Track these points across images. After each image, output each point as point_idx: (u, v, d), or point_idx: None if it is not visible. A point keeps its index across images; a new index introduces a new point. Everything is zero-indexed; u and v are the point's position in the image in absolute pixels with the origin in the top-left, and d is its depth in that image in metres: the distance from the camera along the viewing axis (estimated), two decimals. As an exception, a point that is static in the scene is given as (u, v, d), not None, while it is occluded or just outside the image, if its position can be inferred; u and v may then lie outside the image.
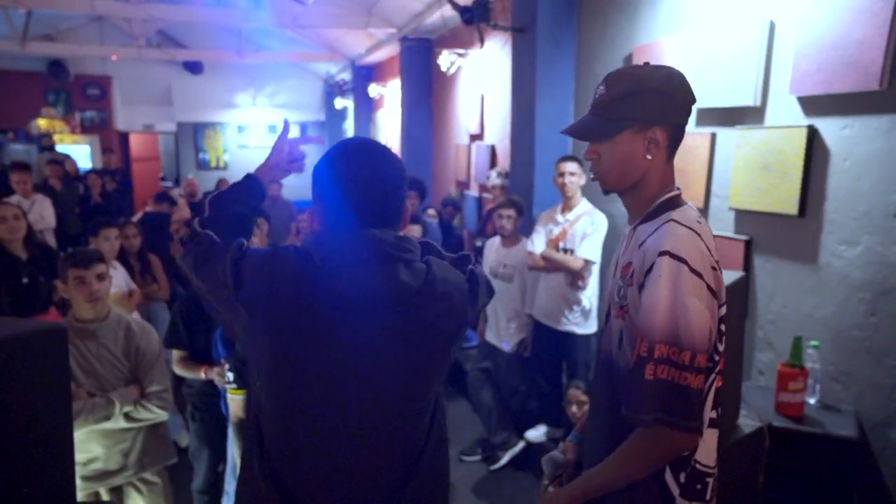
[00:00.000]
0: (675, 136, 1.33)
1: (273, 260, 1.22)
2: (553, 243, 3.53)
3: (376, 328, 1.21)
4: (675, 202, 1.33)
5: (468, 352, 4.59)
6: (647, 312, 1.20)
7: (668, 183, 1.36)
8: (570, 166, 3.49)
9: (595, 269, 3.53)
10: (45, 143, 9.69)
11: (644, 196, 1.35)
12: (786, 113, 2.59)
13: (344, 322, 1.20)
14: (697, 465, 1.28)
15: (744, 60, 2.72)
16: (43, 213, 5.18)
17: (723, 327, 1.29)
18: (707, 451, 1.30)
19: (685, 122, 1.34)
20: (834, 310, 2.44)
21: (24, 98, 10.32)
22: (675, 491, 1.26)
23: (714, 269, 1.25)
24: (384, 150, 1.30)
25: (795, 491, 2.19)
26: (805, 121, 2.50)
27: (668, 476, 1.26)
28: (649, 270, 1.22)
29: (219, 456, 2.89)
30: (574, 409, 3.04)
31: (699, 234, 1.26)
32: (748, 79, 2.70)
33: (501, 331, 3.83)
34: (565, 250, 3.49)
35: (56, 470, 1.34)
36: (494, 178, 4.90)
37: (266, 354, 1.23)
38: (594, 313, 3.59)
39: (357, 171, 1.24)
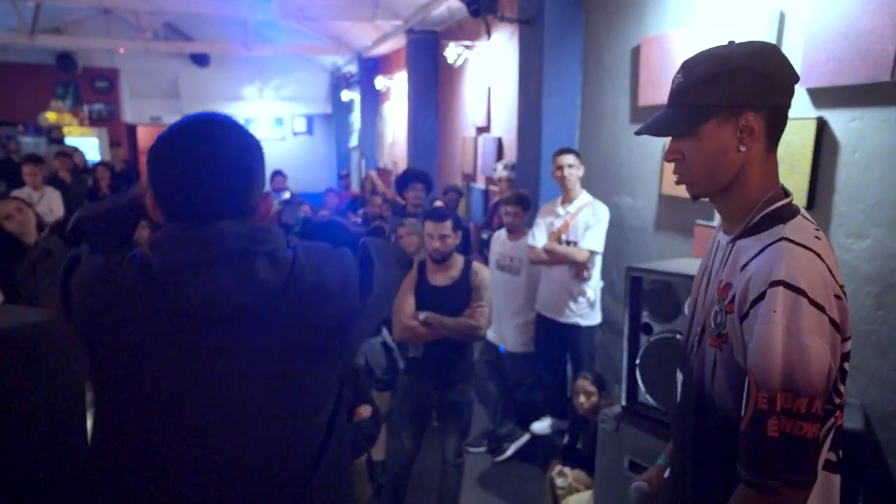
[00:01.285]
0: (775, 123, 1.11)
1: (102, 273, 1.01)
2: (555, 236, 3.52)
3: (234, 339, 1.00)
4: (786, 212, 1.11)
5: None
6: (761, 355, 1.01)
7: (772, 183, 1.14)
8: (568, 158, 3.49)
9: (598, 260, 3.52)
10: (54, 135, 9.75)
11: (743, 200, 1.13)
12: (795, 104, 2.55)
13: (195, 338, 0.99)
14: None
15: (752, 52, 2.70)
16: (52, 205, 5.23)
17: (846, 365, 1.10)
18: (829, 500, 1.12)
19: (787, 105, 1.12)
20: (841, 303, 2.43)
21: (33, 91, 10.38)
22: None
23: (839, 297, 1.05)
24: (227, 124, 1.07)
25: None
26: (814, 112, 2.49)
27: None
28: (757, 301, 1.03)
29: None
30: (581, 399, 3.05)
31: (819, 255, 1.05)
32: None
33: (503, 327, 3.83)
34: (568, 242, 3.49)
35: (74, 452, 1.36)
36: (501, 171, 4.90)
37: (111, 396, 1.03)
38: (598, 304, 3.59)
39: (191, 151, 1.02)
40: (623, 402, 2.28)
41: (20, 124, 10.00)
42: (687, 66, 1.13)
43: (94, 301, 1.01)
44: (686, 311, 1.36)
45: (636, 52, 3.59)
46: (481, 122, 5.99)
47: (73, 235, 1.17)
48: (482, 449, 3.88)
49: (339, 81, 11.45)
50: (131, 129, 11.88)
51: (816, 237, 1.08)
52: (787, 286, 1.01)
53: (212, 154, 1.02)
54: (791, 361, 0.99)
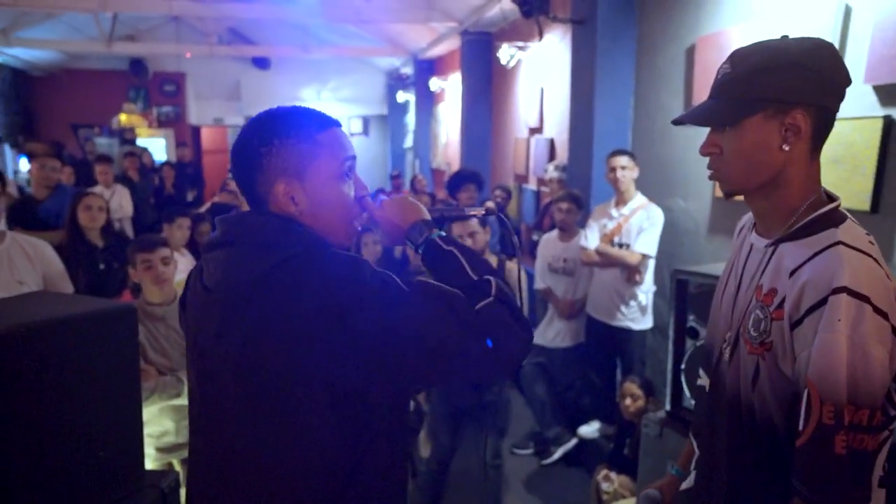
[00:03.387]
0: (823, 124, 1.06)
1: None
2: (607, 238, 3.48)
3: (215, 320, 1.02)
4: (836, 217, 1.06)
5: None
6: (825, 366, 0.96)
7: (814, 187, 1.09)
8: (622, 160, 3.44)
9: (651, 264, 3.46)
10: (126, 136, 10.29)
11: (781, 202, 1.09)
12: (858, 103, 2.46)
13: (201, 315, 1.06)
14: None
15: (814, 49, 2.60)
16: (122, 202, 5.52)
17: None
18: None
19: (836, 108, 1.07)
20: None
21: (109, 95, 11.03)
22: None
23: None
24: (255, 117, 1.12)
25: None
26: (881, 111, 2.37)
27: None
28: (814, 308, 0.98)
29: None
30: (628, 402, 3.01)
31: (876, 260, 1.01)
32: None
33: (551, 329, 3.81)
34: (620, 245, 3.44)
35: (127, 438, 1.45)
36: (552, 172, 4.87)
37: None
38: (650, 308, 3.53)
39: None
40: (667, 407, 2.24)
41: (96, 126, 10.61)
42: (737, 56, 1.08)
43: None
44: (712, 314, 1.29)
45: (691, 52, 3.50)
46: (534, 123, 5.96)
47: None
48: (529, 451, 3.87)
49: (394, 83, 11.61)
50: (195, 130, 12.39)
51: (871, 242, 1.04)
52: (851, 293, 0.96)
53: (231, 151, 1.11)
54: (855, 372, 0.95)
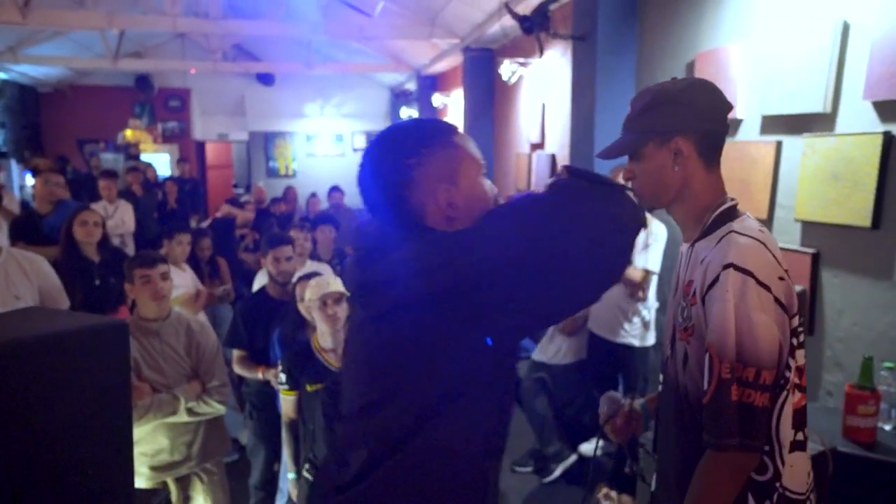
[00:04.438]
0: (707, 145, 1.29)
1: None
2: (609, 254, 3.46)
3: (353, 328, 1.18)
4: (732, 213, 1.30)
5: (521, 361, 4.56)
6: (717, 331, 1.17)
7: (718, 193, 1.32)
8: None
9: (654, 280, 3.43)
10: (131, 151, 10.38)
11: (692, 210, 1.32)
12: (859, 119, 2.45)
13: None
14: (787, 493, 1.24)
15: (813, 65, 2.60)
16: (125, 217, 5.53)
17: (794, 341, 1.24)
18: (796, 476, 1.25)
19: (718, 129, 1.31)
20: (911, 329, 2.28)
21: (115, 111, 11.15)
22: None
23: (782, 279, 1.21)
24: (378, 135, 1.14)
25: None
26: (881, 127, 2.36)
27: None
28: (712, 284, 1.19)
29: (275, 454, 2.99)
30: (628, 423, 2.97)
31: (763, 243, 1.22)
32: (818, 84, 2.57)
33: (552, 345, 3.79)
34: (622, 261, 3.43)
35: (117, 455, 1.43)
36: (553, 187, 4.86)
37: None
38: (653, 325, 3.50)
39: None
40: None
41: (102, 142, 10.70)
42: (635, 98, 1.34)
43: None
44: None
45: (690, 67, 3.51)
46: (535, 139, 5.97)
47: None
48: (529, 469, 3.82)
49: (397, 98, 11.68)
50: (200, 146, 12.47)
51: (761, 230, 1.25)
52: (737, 268, 1.17)
53: (364, 172, 1.11)
54: (741, 335, 1.14)
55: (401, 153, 1.07)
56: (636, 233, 1.08)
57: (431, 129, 1.11)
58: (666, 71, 3.77)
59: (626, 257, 1.07)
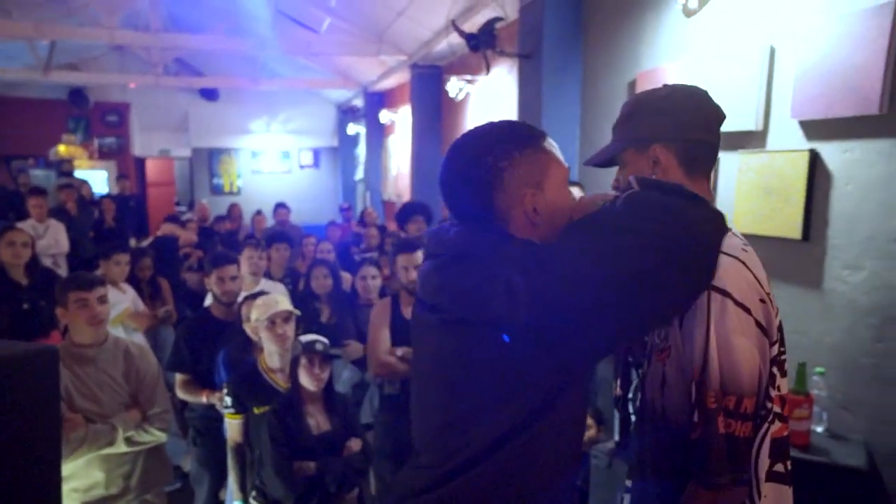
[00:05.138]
0: (689, 154, 1.23)
1: None
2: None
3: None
4: None
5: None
6: (699, 357, 1.10)
7: None
8: (574, 192, 3.49)
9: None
10: (64, 168, 9.91)
11: None
12: (788, 137, 2.58)
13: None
14: None
15: (745, 85, 2.72)
16: (57, 237, 5.27)
17: (776, 370, 1.16)
18: None
19: (702, 138, 1.24)
20: (841, 336, 2.39)
21: (46, 125, 10.59)
22: None
23: (763, 301, 1.13)
24: (462, 136, 1.16)
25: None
26: (807, 144, 2.49)
27: None
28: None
29: (220, 481, 2.88)
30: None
31: (745, 263, 1.14)
32: (750, 103, 2.70)
33: None
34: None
35: (43, 494, 1.34)
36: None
37: None
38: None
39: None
40: (616, 437, 2.24)
41: (31, 158, 10.18)
42: (622, 106, 1.32)
43: None
44: None
45: (632, 86, 3.62)
46: (483, 155, 6.03)
47: None
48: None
49: (345, 115, 11.62)
50: (140, 162, 12.06)
51: (744, 249, 1.17)
52: (715, 289, 1.10)
53: (449, 171, 1.13)
54: (721, 361, 1.08)
55: (492, 154, 1.06)
56: (720, 240, 1.06)
57: (523, 133, 1.11)
58: (610, 89, 3.88)
59: (713, 264, 1.04)
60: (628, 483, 1.42)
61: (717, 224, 1.09)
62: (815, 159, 2.44)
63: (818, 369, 2.33)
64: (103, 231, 6.89)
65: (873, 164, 2.24)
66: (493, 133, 1.10)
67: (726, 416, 1.07)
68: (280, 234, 4.72)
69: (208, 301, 3.44)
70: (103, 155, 11.08)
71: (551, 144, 1.13)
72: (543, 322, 0.97)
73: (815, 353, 2.46)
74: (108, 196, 8.05)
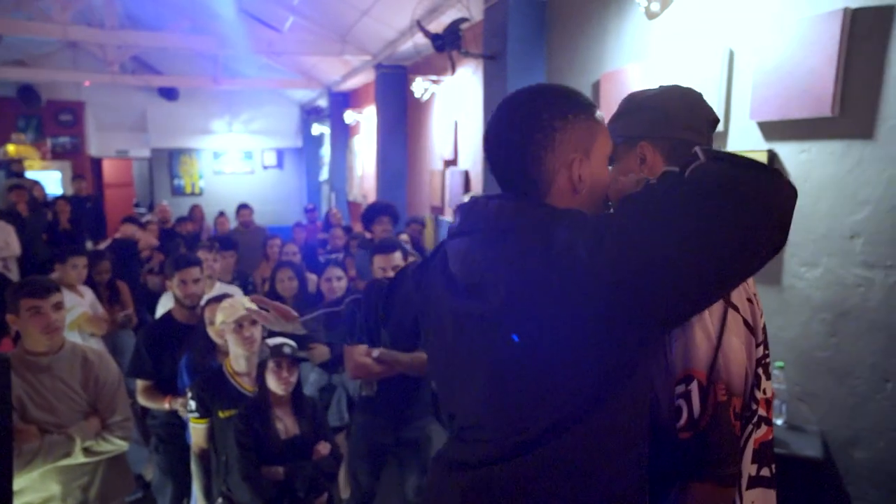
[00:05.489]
0: (676, 152, 1.22)
1: None
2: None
3: None
4: None
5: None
6: (703, 353, 1.09)
7: None
8: None
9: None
10: (14, 168, 9.53)
11: None
12: (747, 137, 2.65)
13: None
14: None
15: (706, 87, 2.79)
16: (7, 239, 5.08)
17: (760, 371, 1.17)
18: None
19: (690, 139, 1.22)
20: (798, 330, 2.47)
21: (-7, 124, 10.19)
22: None
23: (750, 301, 1.15)
24: (526, 97, 1.10)
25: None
26: (765, 145, 2.57)
27: None
28: None
29: (184, 489, 2.81)
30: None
31: None
32: (710, 104, 2.76)
33: None
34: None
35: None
36: (468, 203, 4.92)
37: None
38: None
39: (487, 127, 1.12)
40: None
41: (-23, 158, 9.77)
42: (620, 103, 1.33)
43: None
44: None
45: (597, 87, 3.68)
46: (448, 156, 6.04)
47: None
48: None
49: (308, 115, 11.50)
50: (96, 163, 11.70)
51: None
52: None
53: (501, 126, 1.10)
54: (714, 358, 1.08)
55: (548, 113, 1.05)
56: (791, 208, 0.95)
57: (578, 98, 1.11)
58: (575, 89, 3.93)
59: (784, 233, 0.92)
60: None
61: (789, 193, 0.95)
62: (773, 159, 2.51)
63: (778, 363, 2.40)
64: (58, 233, 6.67)
65: (826, 164, 2.32)
66: (549, 94, 1.10)
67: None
68: (225, 239, 4.70)
69: (164, 305, 3.36)
70: (57, 155, 10.70)
71: (602, 116, 1.12)
72: (631, 274, 0.90)
73: (774, 348, 2.53)
74: (62, 197, 7.78)
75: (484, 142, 1.12)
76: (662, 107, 1.24)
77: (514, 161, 1.08)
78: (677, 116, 1.24)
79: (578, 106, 1.08)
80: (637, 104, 1.28)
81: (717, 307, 1.10)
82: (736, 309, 1.11)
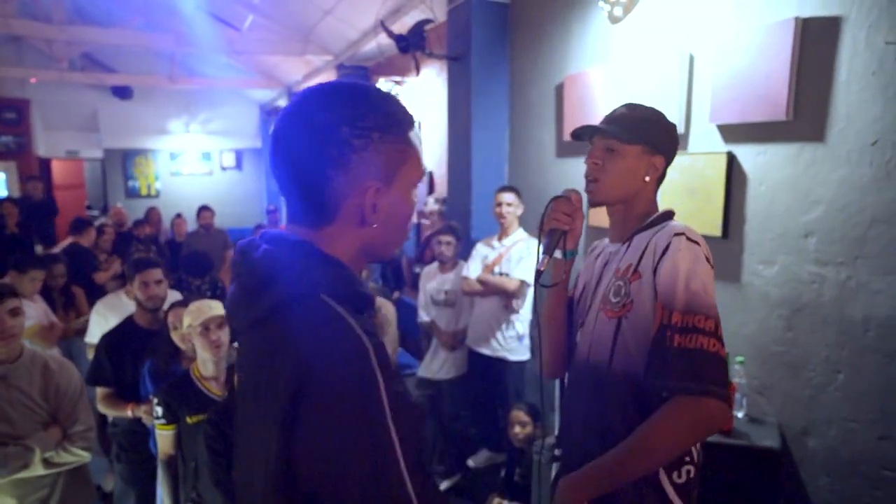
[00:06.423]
0: (665, 172, 1.49)
1: None
2: (489, 268, 3.57)
3: None
4: (669, 215, 1.48)
5: (407, 379, 4.55)
6: (670, 284, 1.29)
7: (654, 206, 1.51)
8: (508, 196, 3.57)
9: (529, 292, 3.58)
10: (-46, 169, 9.10)
11: (634, 214, 1.48)
12: (707, 140, 2.74)
13: None
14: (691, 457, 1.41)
15: (667, 90, 2.87)
16: (-49, 245, 4.84)
17: None
18: None
19: (673, 160, 1.51)
20: (756, 326, 2.56)
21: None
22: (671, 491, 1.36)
23: (713, 267, 1.36)
24: (328, 95, 0.89)
25: (724, 502, 2.27)
26: (725, 147, 2.65)
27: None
28: (664, 251, 1.32)
29: (147, 498, 2.73)
30: (517, 429, 3.06)
31: (698, 242, 1.37)
32: (672, 107, 2.84)
33: (437, 360, 3.82)
34: (501, 274, 3.54)
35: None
36: (432, 205, 4.94)
37: None
38: (527, 340, 3.61)
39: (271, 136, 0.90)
40: (557, 433, 2.30)
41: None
42: (630, 106, 1.49)
43: None
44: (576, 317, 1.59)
45: (560, 89, 3.73)
46: (413, 156, 6.03)
47: None
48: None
49: (268, 115, 11.31)
50: (45, 163, 11.24)
51: (693, 231, 1.39)
52: (688, 238, 1.33)
53: (286, 128, 0.89)
54: (696, 288, 1.27)
55: (351, 125, 0.86)
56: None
57: (391, 109, 0.91)
58: (538, 91, 3.99)
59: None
60: None
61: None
62: (731, 161, 2.60)
63: (738, 358, 2.48)
64: (5, 237, 6.38)
65: (782, 165, 2.42)
66: (358, 101, 0.88)
67: (713, 337, 1.24)
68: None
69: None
70: (1, 155, 10.25)
71: (417, 137, 0.95)
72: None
73: (734, 343, 2.63)
74: (8, 199, 7.45)
75: (271, 140, 0.91)
76: (672, 132, 1.48)
77: (299, 174, 0.89)
78: (675, 144, 1.50)
79: (389, 122, 0.89)
80: (661, 121, 1.47)
81: (693, 248, 1.34)
82: (709, 261, 1.35)
